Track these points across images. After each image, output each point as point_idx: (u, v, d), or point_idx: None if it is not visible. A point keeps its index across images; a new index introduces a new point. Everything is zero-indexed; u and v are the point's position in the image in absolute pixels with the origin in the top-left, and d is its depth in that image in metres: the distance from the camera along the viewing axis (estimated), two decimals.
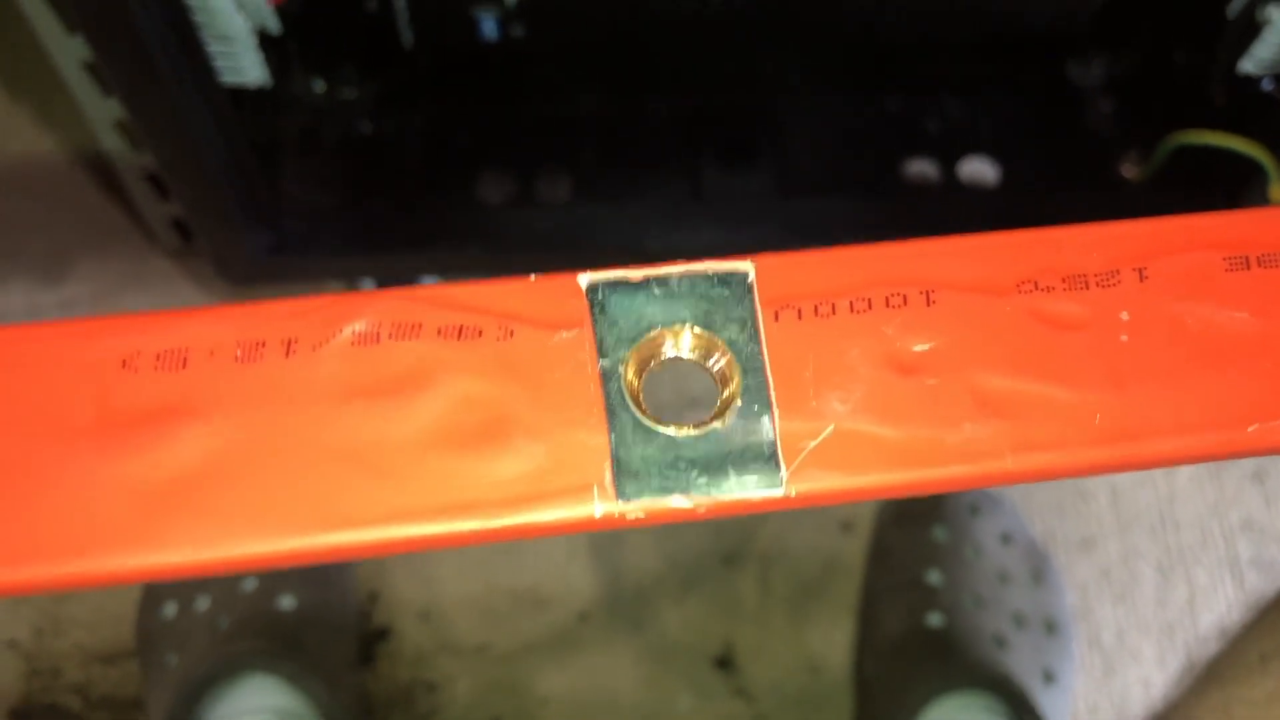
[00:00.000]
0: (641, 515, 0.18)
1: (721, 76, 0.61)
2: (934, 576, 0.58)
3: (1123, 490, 0.63)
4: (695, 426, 0.19)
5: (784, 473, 0.19)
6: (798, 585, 0.61)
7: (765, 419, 0.19)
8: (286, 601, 0.56)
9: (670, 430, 0.19)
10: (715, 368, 0.19)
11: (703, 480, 0.19)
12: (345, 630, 0.58)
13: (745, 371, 0.19)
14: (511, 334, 0.19)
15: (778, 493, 0.19)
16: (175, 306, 0.66)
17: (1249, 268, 0.19)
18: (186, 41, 0.46)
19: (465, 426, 0.18)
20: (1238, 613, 0.61)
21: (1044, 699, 0.56)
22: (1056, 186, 0.59)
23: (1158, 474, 0.63)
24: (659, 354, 0.20)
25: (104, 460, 0.18)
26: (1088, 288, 0.19)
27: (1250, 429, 0.18)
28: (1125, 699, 0.60)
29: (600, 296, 0.19)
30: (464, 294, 0.19)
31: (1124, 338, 0.19)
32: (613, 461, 0.18)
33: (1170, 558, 0.62)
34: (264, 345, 0.19)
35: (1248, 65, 0.50)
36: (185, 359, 0.18)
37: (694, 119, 0.60)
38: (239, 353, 0.19)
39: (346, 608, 0.59)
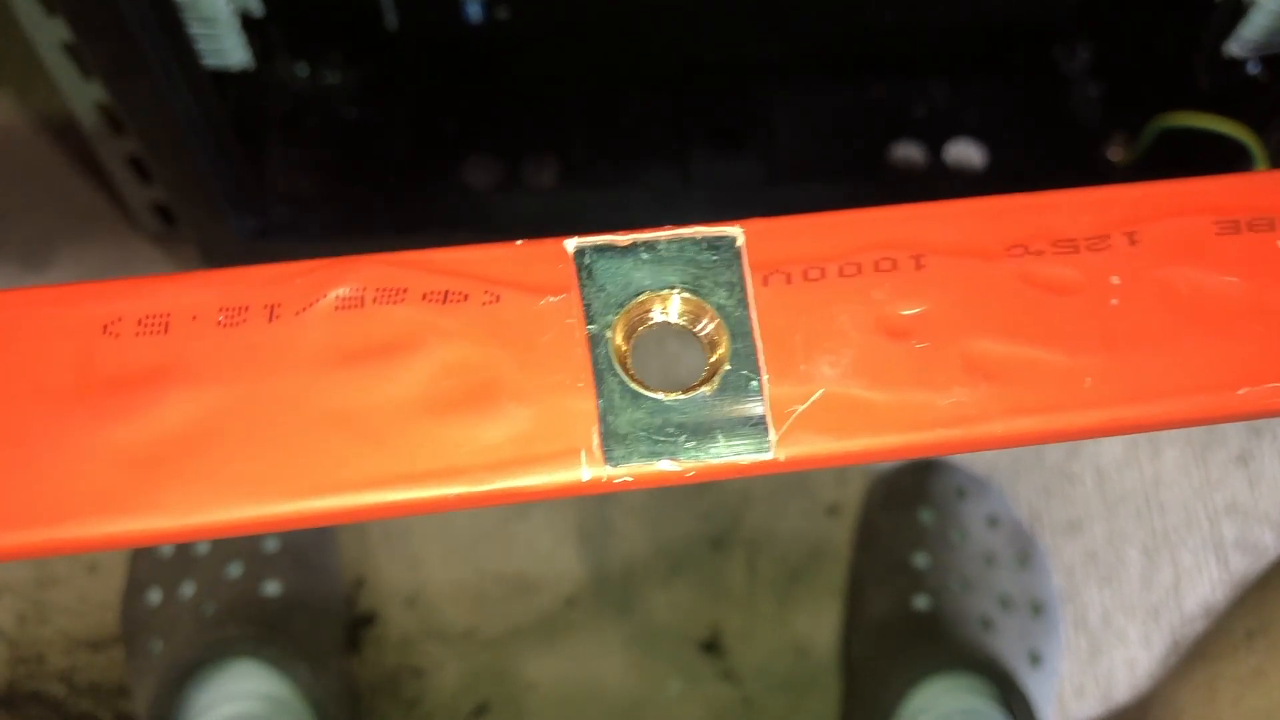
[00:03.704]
0: (629, 479, 0.18)
1: (709, 62, 0.60)
2: (920, 559, 0.58)
3: (1109, 473, 0.63)
4: (684, 391, 0.19)
5: (773, 437, 0.19)
6: (785, 569, 0.61)
7: (754, 383, 0.19)
8: (272, 587, 0.56)
9: (658, 395, 0.19)
10: (704, 333, 0.19)
11: (691, 444, 0.19)
12: (331, 616, 0.58)
13: (734, 336, 0.19)
14: (498, 299, 0.19)
15: (766, 457, 0.18)
16: None
17: (1239, 232, 0.19)
18: (168, 23, 0.45)
19: (451, 391, 0.18)
20: (1222, 594, 0.61)
21: (1030, 680, 0.56)
22: (1042, 170, 0.59)
23: (1143, 457, 0.63)
24: (647, 319, 0.20)
25: (86, 426, 0.18)
26: (1077, 251, 0.19)
27: (1240, 392, 0.18)
28: (1111, 680, 0.60)
29: (587, 261, 0.19)
30: (449, 259, 0.19)
31: (1114, 301, 0.19)
32: (600, 426, 0.18)
33: (1156, 540, 0.62)
34: (247, 310, 0.18)
35: (1233, 48, 0.50)
36: (167, 324, 0.18)
37: (682, 104, 0.60)
38: (222, 318, 0.18)
39: (332, 593, 0.59)
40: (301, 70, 0.59)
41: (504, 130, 0.59)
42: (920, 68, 0.60)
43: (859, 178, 0.59)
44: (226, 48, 0.49)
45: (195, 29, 0.47)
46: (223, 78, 0.51)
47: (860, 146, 0.60)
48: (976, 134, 0.59)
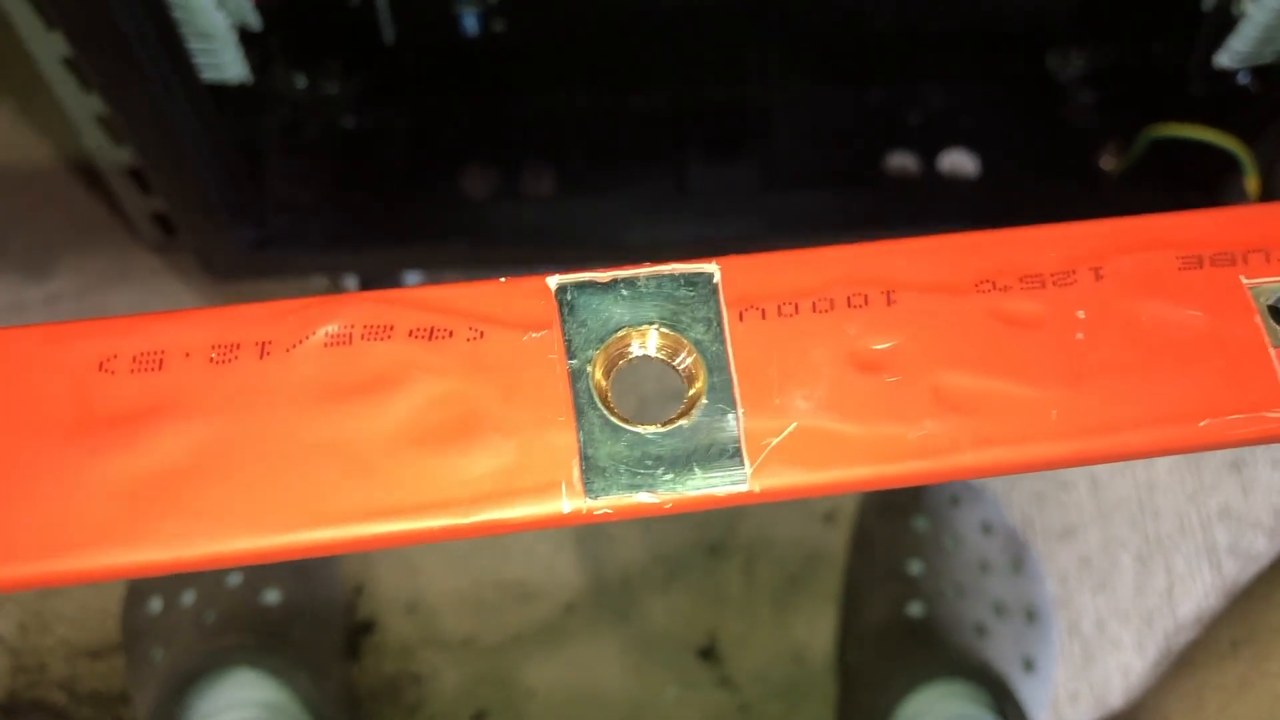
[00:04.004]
0: (609, 511, 0.19)
1: (705, 70, 0.61)
2: (915, 566, 0.58)
3: (1102, 480, 0.63)
4: (662, 424, 0.19)
5: (748, 469, 0.19)
6: (781, 576, 0.62)
7: (730, 417, 0.19)
8: (272, 596, 0.56)
9: (637, 428, 0.19)
10: (681, 367, 0.20)
11: (669, 477, 0.19)
12: (331, 624, 0.58)
13: (711, 370, 0.19)
14: (482, 335, 0.19)
15: (742, 489, 0.19)
16: (159, 301, 0.66)
17: (1201, 266, 0.20)
18: (167, 38, 0.46)
19: (436, 426, 0.19)
20: (1215, 600, 0.61)
21: (1024, 687, 0.56)
22: (1036, 178, 0.59)
23: (1137, 464, 0.64)
24: (626, 354, 0.20)
25: (82, 461, 0.18)
26: (1044, 287, 0.20)
27: (1201, 424, 0.19)
28: (1105, 686, 0.61)
29: (569, 298, 0.20)
30: (435, 296, 0.19)
31: (1080, 335, 0.19)
32: (581, 459, 0.19)
33: (1149, 546, 0.63)
34: (239, 347, 0.19)
35: (1223, 59, 0.50)
36: (161, 361, 0.19)
37: (677, 113, 0.60)
38: (214, 355, 0.19)
39: (332, 601, 0.59)
40: (300, 81, 0.59)
41: (501, 140, 0.60)
42: (915, 75, 0.61)
43: (854, 186, 0.59)
44: (225, 61, 0.49)
45: (193, 43, 0.48)
46: (221, 90, 0.51)
47: (855, 154, 0.60)
48: (970, 142, 0.60)
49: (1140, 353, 0.19)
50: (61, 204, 0.66)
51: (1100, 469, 0.63)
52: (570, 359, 0.19)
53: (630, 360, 0.20)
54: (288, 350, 0.19)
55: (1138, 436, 0.19)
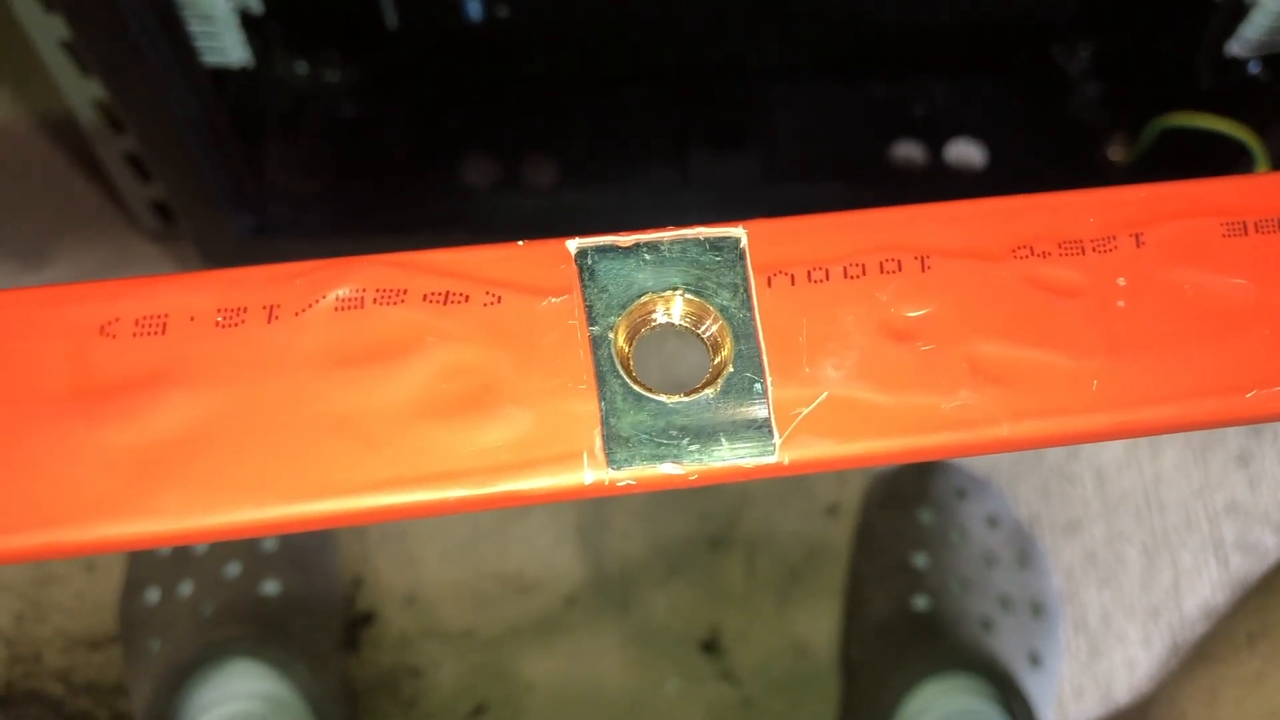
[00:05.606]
0: (632, 483, 0.18)
1: (709, 61, 0.60)
2: (920, 560, 0.58)
3: (1108, 473, 0.63)
4: (686, 393, 0.19)
5: (777, 440, 0.18)
6: (784, 569, 0.61)
7: (758, 386, 0.19)
8: (270, 587, 0.55)
9: (661, 397, 0.19)
10: (707, 334, 0.19)
11: (694, 448, 0.18)
12: (329, 615, 0.58)
13: (737, 338, 0.19)
14: (499, 300, 0.19)
15: (770, 460, 0.18)
16: None
17: (1247, 234, 0.19)
18: (167, 20, 0.45)
19: (452, 394, 0.18)
20: (1222, 595, 0.61)
21: (1030, 681, 0.56)
22: (1043, 169, 0.59)
23: (1143, 457, 0.63)
24: (650, 320, 0.19)
25: (83, 427, 0.17)
26: (1084, 253, 0.19)
27: (1248, 395, 0.18)
28: (1110, 681, 0.60)
29: (590, 262, 0.19)
30: (450, 259, 0.19)
31: (1121, 304, 0.19)
32: (603, 428, 0.18)
33: (1155, 540, 0.62)
34: (245, 311, 0.18)
35: (1234, 48, 0.50)
36: (165, 325, 0.18)
37: (681, 104, 0.60)
38: (220, 318, 0.18)
39: (331, 593, 0.58)
40: (301, 68, 0.58)
41: (503, 129, 0.59)
42: (921, 67, 0.60)
43: (859, 177, 0.59)
44: (226, 45, 0.49)
45: (194, 26, 0.47)
46: (222, 75, 0.50)
47: (860, 146, 0.59)
48: (977, 133, 0.59)
49: (1184, 322, 0.19)
50: (59, 191, 0.65)
51: (1106, 463, 0.63)
52: (591, 325, 0.19)
53: (654, 327, 0.19)
54: (297, 314, 0.18)
55: (1181, 409, 0.18)
